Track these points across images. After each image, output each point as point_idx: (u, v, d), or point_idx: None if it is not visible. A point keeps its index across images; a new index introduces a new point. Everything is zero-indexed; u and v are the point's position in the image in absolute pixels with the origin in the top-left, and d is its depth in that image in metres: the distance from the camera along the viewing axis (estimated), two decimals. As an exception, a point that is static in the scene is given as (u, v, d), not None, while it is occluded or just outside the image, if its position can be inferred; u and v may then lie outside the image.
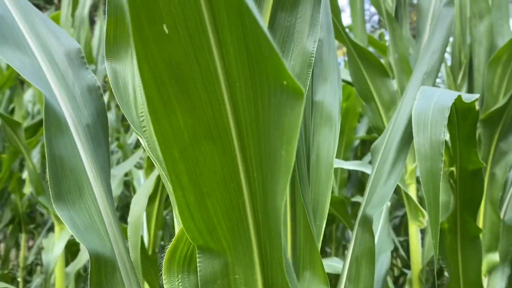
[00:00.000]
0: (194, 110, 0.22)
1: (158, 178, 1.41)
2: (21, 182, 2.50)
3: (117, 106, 2.76)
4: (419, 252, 1.00)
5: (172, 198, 0.38)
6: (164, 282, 0.35)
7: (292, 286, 0.29)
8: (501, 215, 1.03)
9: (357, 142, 2.52)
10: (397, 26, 1.02)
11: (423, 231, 1.04)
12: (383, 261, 0.81)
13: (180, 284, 0.35)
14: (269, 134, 0.22)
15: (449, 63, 1.39)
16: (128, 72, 0.39)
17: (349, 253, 0.55)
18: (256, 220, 0.27)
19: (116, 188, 1.38)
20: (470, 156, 0.72)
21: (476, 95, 0.56)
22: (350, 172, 2.27)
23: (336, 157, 0.53)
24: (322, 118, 0.51)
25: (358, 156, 2.51)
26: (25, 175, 2.61)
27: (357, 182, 2.34)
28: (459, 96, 0.52)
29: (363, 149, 2.53)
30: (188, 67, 0.20)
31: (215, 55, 0.20)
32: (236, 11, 0.18)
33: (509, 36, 1.02)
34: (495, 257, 1.00)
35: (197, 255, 0.30)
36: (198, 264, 0.30)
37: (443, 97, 0.51)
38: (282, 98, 0.20)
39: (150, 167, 1.47)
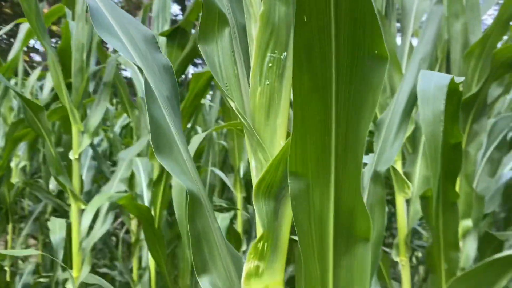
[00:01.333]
0: (313, 73, 0.35)
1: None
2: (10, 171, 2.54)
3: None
4: (405, 219, 1.16)
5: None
6: (254, 206, 0.48)
7: (363, 202, 0.42)
8: (474, 187, 1.20)
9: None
10: (386, 23, 1.17)
11: (408, 202, 1.20)
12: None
13: (264, 207, 0.48)
14: (360, 86, 0.35)
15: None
16: (214, 53, 0.51)
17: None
18: (336, 153, 0.40)
19: (125, 170, 1.49)
20: (453, 131, 0.87)
21: (462, 78, 0.72)
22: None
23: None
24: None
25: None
26: (13, 164, 2.65)
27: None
28: (453, 79, 0.67)
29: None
30: (314, 45, 0.33)
31: (332, 36, 0.33)
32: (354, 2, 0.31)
33: (480, 34, 1.19)
34: (468, 223, 1.17)
35: (288, 178, 0.43)
36: (289, 184, 0.42)
37: (441, 78, 0.65)
38: (373, 62, 0.33)
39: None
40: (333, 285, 0.48)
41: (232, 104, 0.49)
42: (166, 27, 1.71)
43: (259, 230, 0.49)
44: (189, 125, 2.38)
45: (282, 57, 0.48)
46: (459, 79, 0.69)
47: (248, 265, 0.49)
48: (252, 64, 0.48)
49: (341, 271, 0.47)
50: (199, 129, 2.58)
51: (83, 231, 1.27)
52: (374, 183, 0.68)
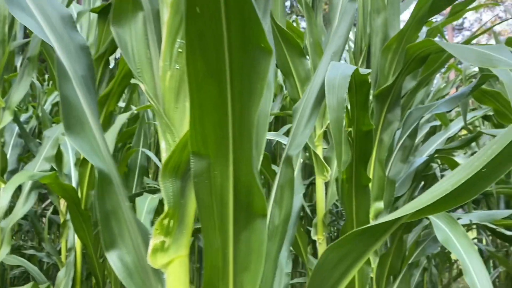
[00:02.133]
0: (207, 59, 0.38)
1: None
2: None
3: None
4: (323, 200, 1.24)
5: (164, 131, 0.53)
6: (160, 184, 0.50)
7: (256, 176, 0.46)
8: (386, 172, 1.30)
9: (271, 118, 2.74)
10: (313, 14, 1.23)
11: (326, 184, 1.27)
12: (296, 201, 1.02)
13: (170, 185, 0.51)
14: (250, 74, 0.38)
15: (352, 49, 1.63)
16: (127, 36, 0.53)
17: (275, 183, 0.74)
18: (234, 133, 0.44)
19: (51, 149, 1.45)
20: (364, 119, 0.94)
21: (369, 70, 0.78)
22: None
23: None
24: (261, 81, 0.68)
25: (272, 130, 2.75)
26: None
27: (270, 153, 2.57)
28: (357, 70, 0.73)
29: (276, 125, 2.76)
30: (207, 34, 0.36)
31: (223, 28, 0.36)
32: (241, 5, 0.34)
33: (398, 29, 1.27)
34: (380, 205, 1.27)
35: (190, 158, 0.46)
36: (191, 163, 0.46)
37: (347, 69, 0.71)
38: (259, 54, 0.37)
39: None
40: (233, 256, 0.52)
41: (142, 87, 0.51)
42: (98, 3, 1.67)
43: (165, 209, 0.52)
44: (123, 105, 2.34)
45: (191, 43, 0.50)
46: (365, 71, 0.75)
47: (154, 240, 0.52)
48: (162, 49, 0.51)
49: (240, 244, 0.52)
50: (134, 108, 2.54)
51: (1, 211, 1.23)
52: (285, 165, 0.73)
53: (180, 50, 0.50)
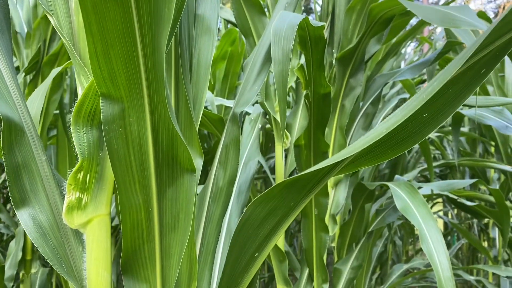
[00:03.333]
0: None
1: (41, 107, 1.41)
2: None
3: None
4: (282, 167, 1.20)
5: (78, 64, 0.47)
6: (72, 133, 0.45)
7: (175, 124, 0.41)
8: (348, 140, 1.27)
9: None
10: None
11: (286, 151, 1.23)
12: (251, 166, 0.97)
13: (85, 135, 0.45)
14: (158, -2, 0.33)
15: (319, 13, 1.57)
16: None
17: (221, 143, 0.69)
18: (146, 70, 0.38)
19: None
20: (321, 80, 0.89)
21: (323, 23, 0.73)
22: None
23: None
24: (203, 29, 0.62)
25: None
26: None
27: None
28: (308, 21, 0.67)
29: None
30: None
31: None
32: None
33: (364, -10, 1.22)
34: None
35: (100, 102, 0.40)
36: (101, 108, 0.40)
37: (295, 18, 0.65)
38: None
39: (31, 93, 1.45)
40: (158, 215, 0.47)
41: (52, 20, 0.44)
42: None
43: (79, 160, 0.46)
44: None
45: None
46: (317, 23, 0.70)
47: (69, 197, 0.47)
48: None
49: (167, 202, 0.47)
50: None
51: None
52: (232, 123, 0.68)
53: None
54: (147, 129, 0.42)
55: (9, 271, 1.41)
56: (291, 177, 0.37)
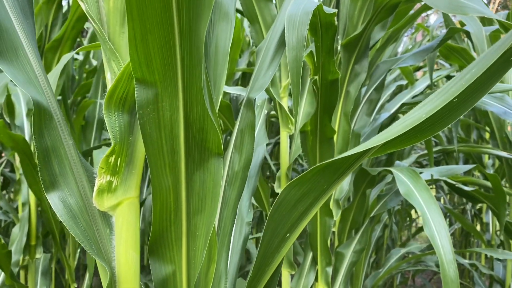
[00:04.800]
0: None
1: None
2: None
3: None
4: (287, 153, 1.21)
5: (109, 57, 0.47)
6: (104, 117, 0.45)
7: (210, 109, 0.42)
8: (352, 126, 1.28)
9: (238, 75, 2.67)
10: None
11: (291, 137, 1.25)
12: (259, 152, 0.99)
13: (116, 119, 0.46)
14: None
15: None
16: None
17: (236, 128, 0.70)
18: (182, 55, 0.39)
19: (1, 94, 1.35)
20: (330, 66, 0.90)
21: (335, 10, 0.74)
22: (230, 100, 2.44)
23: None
24: (221, 14, 0.63)
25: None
26: None
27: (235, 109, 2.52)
28: (322, 8, 0.68)
29: (243, 82, 2.70)
30: None
31: None
32: None
33: (369, -23, 1.22)
34: (344, 158, 1.26)
35: (135, 86, 0.41)
36: (136, 93, 0.41)
37: (309, 4, 0.66)
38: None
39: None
40: (186, 198, 0.48)
41: (83, 6, 0.45)
42: None
43: (112, 145, 0.47)
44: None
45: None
46: (329, 10, 0.71)
47: (100, 180, 0.48)
48: (104, -36, 0.44)
49: (194, 185, 0.48)
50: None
51: None
52: (247, 109, 0.69)
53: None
54: (179, 113, 0.43)
55: (14, 257, 1.42)
56: (325, 161, 0.38)
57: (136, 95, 0.41)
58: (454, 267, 1.06)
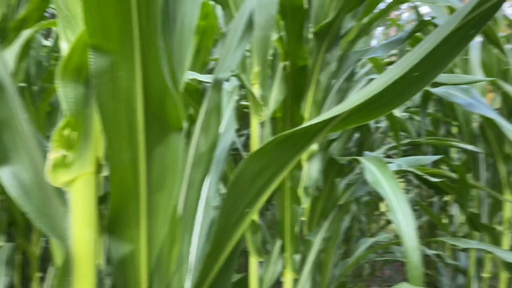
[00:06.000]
0: None
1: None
2: None
3: None
4: (257, 140, 1.21)
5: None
6: (58, 88, 0.43)
7: (170, 82, 0.40)
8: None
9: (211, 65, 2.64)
10: None
11: (262, 124, 1.24)
12: (228, 137, 0.98)
13: (71, 91, 0.44)
14: None
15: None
16: None
17: (203, 110, 0.69)
18: (140, 22, 0.37)
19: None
20: (299, 52, 0.90)
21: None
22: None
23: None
24: (186, -10, 0.61)
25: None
26: None
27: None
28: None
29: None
30: None
31: None
32: None
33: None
34: (314, 146, 1.26)
35: (90, 54, 0.39)
36: (91, 61, 0.39)
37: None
38: None
39: None
40: (146, 174, 0.47)
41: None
42: None
43: (65, 117, 0.45)
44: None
45: None
46: None
47: (54, 154, 0.46)
48: None
49: (154, 160, 0.47)
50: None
51: None
52: (213, 90, 0.68)
53: None
54: (136, 84, 0.41)
55: (-27, 245, 1.37)
56: (285, 132, 0.37)
57: (91, 63, 0.39)
58: (418, 254, 1.08)
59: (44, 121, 1.66)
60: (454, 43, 0.35)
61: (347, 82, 1.32)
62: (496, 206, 2.01)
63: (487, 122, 1.75)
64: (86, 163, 0.47)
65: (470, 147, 2.05)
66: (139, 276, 0.52)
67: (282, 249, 1.29)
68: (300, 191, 1.25)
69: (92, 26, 0.37)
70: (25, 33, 0.98)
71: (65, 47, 0.46)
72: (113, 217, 0.48)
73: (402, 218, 1.13)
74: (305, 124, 0.37)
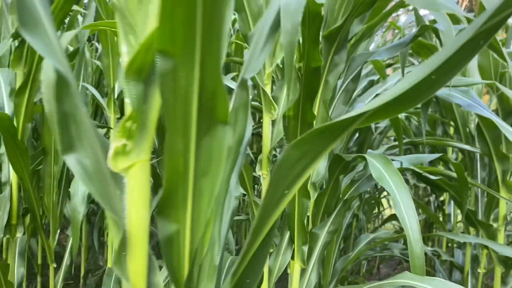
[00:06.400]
0: None
1: (27, 74, 1.42)
2: None
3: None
4: (269, 137, 1.28)
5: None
6: (123, 86, 0.50)
7: (223, 85, 0.47)
8: (330, 113, 1.36)
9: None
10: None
11: (273, 122, 1.31)
12: (247, 130, 1.05)
13: (133, 87, 0.51)
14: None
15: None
16: None
17: (230, 106, 0.76)
18: (203, 32, 0.44)
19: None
20: (314, 54, 0.97)
21: (323, 1, 0.80)
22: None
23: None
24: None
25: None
26: None
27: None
28: (313, 1, 0.74)
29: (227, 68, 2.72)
30: None
31: None
32: None
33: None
34: (322, 144, 1.33)
35: (157, 57, 0.46)
36: (157, 63, 0.46)
37: (303, -6, 0.73)
38: None
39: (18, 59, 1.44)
40: (194, 161, 0.53)
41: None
42: None
43: (128, 111, 0.52)
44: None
45: None
46: (319, 1, 0.78)
47: (116, 143, 0.52)
48: None
49: (202, 149, 0.53)
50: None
51: None
52: (241, 88, 0.74)
53: None
54: (194, 83, 0.48)
55: (-5, 235, 1.43)
56: (323, 125, 0.44)
57: (157, 65, 0.46)
58: (420, 245, 1.16)
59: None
60: (467, 51, 0.42)
61: (354, 83, 1.39)
62: (492, 204, 2.09)
63: (483, 122, 1.83)
64: (142, 151, 0.54)
65: (467, 147, 2.12)
66: (183, 253, 0.59)
67: (291, 241, 1.36)
68: (309, 186, 1.32)
69: (163, 34, 0.43)
70: (68, 35, 1.04)
71: (125, 50, 0.53)
72: (164, 199, 0.54)
73: (406, 212, 1.20)
74: (340, 118, 0.44)
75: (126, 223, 0.55)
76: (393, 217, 3.33)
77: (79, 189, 1.40)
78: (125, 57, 0.53)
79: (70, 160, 0.53)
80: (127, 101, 0.51)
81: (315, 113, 1.32)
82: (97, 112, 2.16)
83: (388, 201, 3.92)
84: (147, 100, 0.52)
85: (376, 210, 3.52)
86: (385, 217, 4.00)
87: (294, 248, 1.33)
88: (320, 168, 1.36)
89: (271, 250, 1.33)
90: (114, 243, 0.55)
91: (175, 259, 0.59)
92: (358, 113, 0.43)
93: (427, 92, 0.44)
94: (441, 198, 3.15)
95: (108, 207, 0.53)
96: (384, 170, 1.29)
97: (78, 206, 1.39)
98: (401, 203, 1.22)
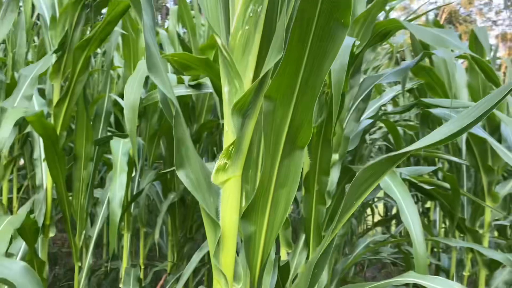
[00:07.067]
0: (301, 32, 0.53)
1: (68, 86, 1.55)
2: None
3: None
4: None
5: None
6: (230, 119, 0.65)
7: (310, 121, 0.63)
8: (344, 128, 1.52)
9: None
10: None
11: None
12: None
13: (237, 121, 0.66)
14: (327, 42, 0.55)
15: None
16: (205, 3, 0.65)
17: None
18: (301, 83, 0.60)
19: (31, 87, 1.47)
20: (345, 82, 1.13)
21: (354, 39, 0.96)
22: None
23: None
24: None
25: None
26: None
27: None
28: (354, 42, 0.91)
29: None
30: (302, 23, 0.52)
31: (317, 9, 0.52)
32: None
33: (364, 4, 1.47)
34: (336, 156, 1.50)
35: (263, 101, 0.61)
36: (263, 104, 0.61)
37: (348, 40, 0.89)
38: (336, 28, 0.53)
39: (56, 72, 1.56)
40: (276, 175, 0.69)
41: (219, 40, 0.64)
42: None
43: (230, 139, 0.66)
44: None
45: (258, 9, 0.64)
46: (357, 42, 0.94)
47: (219, 162, 0.67)
48: (237, 12, 0.64)
49: (282, 167, 0.69)
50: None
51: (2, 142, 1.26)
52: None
53: (251, 14, 0.64)
54: (286, 120, 0.64)
55: (33, 234, 1.54)
56: (386, 156, 0.60)
57: (264, 106, 0.61)
58: (424, 247, 1.33)
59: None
60: (493, 105, 0.59)
61: (364, 102, 1.56)
62: (477, 212, 2.29)
63: (473, 138, 2.03)
64: (237, 168, 0.69)
65: (455, 158, 2.32)
66: (258, 250, 0.74)
67: (306, 243, 1.51)
68: (325, 194, 1.48)
69: (274, 86, 0.59)
70: (141, 63, 1.18)
71: (226, 90, 0.68)
72: (250, 205, 0.70)
73: (411, 218, 1.38)
74: (403, 150, 0.60)
75: (221, 224, 0.70)
76: (383, 222, 3.53)
77: (117, 194, 1.53)
78: (226, 95, 0.68)
79: (181, 175, 0.68)
80: (227, 130, 0.66)
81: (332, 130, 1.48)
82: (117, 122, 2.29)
83: (376, 207, 4.14)
84: (243, 129, 0.68)
85: (366, 214, 3.70)
86: (369, 222, 4.22)
87: (309, 249, 1.49)
88: (333, 177, 1.53)
89: (290, 250, 1.49)
90: (211, 243, 0.70)
91: (251, 254, 0.74)
92: (413, 148, 0.59)
93: (457, 135, 0.61)
94: (426, 205, 3.36)
95: (210, 211, 0.68)
96: (391, 181, 1.47)
97: (116, 209, 1.52)
98: (406, 210, 1.39)
